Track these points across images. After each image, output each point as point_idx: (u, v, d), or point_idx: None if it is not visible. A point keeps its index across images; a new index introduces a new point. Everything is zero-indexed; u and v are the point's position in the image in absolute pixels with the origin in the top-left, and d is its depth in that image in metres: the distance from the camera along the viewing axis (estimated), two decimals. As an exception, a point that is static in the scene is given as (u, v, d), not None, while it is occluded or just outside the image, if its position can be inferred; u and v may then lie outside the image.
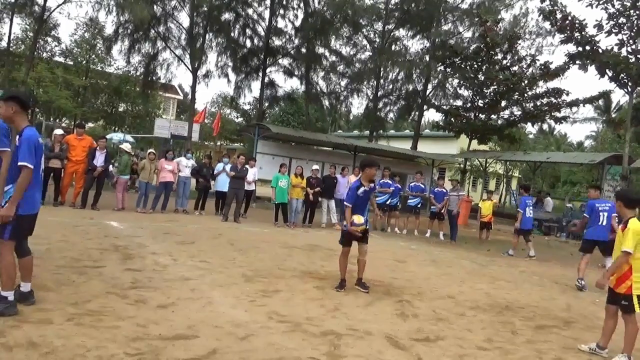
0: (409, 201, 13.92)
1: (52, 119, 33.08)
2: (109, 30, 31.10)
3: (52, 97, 28.55)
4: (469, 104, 22.33)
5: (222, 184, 12.53)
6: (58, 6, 18.51)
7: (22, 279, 4.07)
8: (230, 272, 6.28)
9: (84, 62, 31.93)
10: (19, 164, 3.76)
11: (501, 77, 20.25)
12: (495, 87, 20.81)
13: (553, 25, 16.85)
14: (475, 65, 21.31)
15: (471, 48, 21.49)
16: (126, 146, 12.40)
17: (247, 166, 12.34)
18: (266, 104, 23.64)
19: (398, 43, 23.46)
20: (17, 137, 3.89)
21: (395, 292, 6.14)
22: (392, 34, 23.09)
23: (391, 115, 25.48)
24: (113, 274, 5.45)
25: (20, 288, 4.04)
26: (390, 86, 23.95)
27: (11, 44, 19.12)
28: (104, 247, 6.82)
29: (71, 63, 31.96)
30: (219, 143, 41.54)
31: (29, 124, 3.95)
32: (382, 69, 22.80)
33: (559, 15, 16.04)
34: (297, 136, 18.55)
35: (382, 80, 23.50)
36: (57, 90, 29.20)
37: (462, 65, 21.45)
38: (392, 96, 24.02)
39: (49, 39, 27.69)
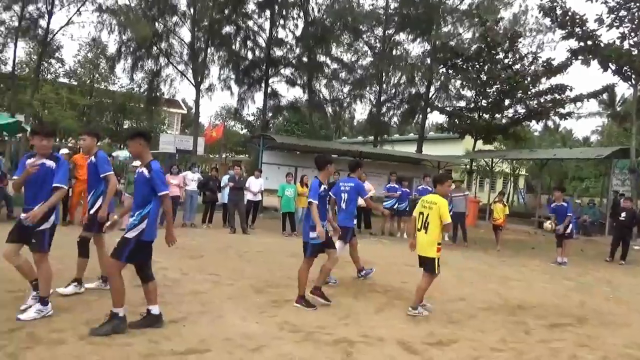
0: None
1: (57, 139, 33.36)
2: (112, 49, 31.45)
3: (58, 117, 28.84)
4: (472, 105, 22.29)
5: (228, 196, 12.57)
6: (61, 28, 18.91)
7: (148, 303, 4.33)
8: (240, 284, 6.29)
9: (88, 81, 32.30)
10: (159, 194, 4.24)
11: (504, 76, 20.21)
12: (498, 86, 20.75)
13: (553, 22, 16.85)
14: (477, 66, 21.28)
15: (472, 48, 21.47)
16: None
17: (250, 177, 12.39)
18: (270, 114, 23.75)
19: (399, 47, 23.56)
20: (144, 169, 4.28)
21: (406, 296, 6.11)
22: (392, 38, 23.18)
23: (395, 119, 25.49)
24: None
25: (150, 312, 4.32)
26: (393, 90, 24.01)
27: (16, 68, 19.37)
28: (114, 264, 6.85)
29: (75, 83, 32.37)
30: (224, 155, 41.69)
31: (154, 158, 4.47)
32: (384, 74, 22.86)
33: (559, 11, 16.02)
34: (302, 145, 18.58)
35: (384, 85, 23.56)
36: (62, 110, 29.54)
37: (464, 66, 21.44)
38: (395, 100, 24.06)
39: (53, 61, 28.06)
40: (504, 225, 12.96)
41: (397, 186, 13.34)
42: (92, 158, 5.40)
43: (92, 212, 5.33)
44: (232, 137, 41.50)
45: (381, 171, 17.36)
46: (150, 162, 4.29)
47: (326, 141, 25.35)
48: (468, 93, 22.90)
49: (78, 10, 18.03)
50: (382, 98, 23.60)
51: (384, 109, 24.02)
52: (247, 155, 41.06)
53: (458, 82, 23.13)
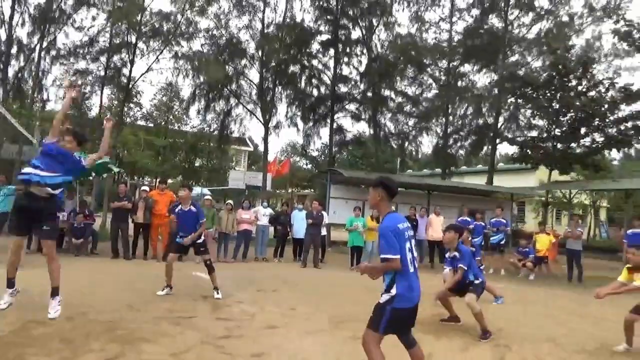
0: (491, 239, 13.31)
1: (136, 177, 35.56)
2: (185, 92, 33.42)
3: (136, 158, 30.82)
4: (545, 134, 21.43)
5: (299, 230, 12.70)
6: (141, 75, 20.16)
7: None
8: (317, 318, 6.24)
9: (163, 123, 34.38)
10: (381, 256, 3.55)
11: (578, 103, 19.35)
12: (573, 114, 19.88)
13: (631, 46, 16.04)
14: (549, 94, 20.54)
15: (542, 77, 20.79)
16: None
17: (323, 212, 12.47)
18: (335, 149, 23.99)
19: (464, 78, 23.24)
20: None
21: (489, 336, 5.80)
22: (457, 70, 22.95)
23: (462, 151, 24.92)
24: (205, 324, 5.58)
25: None
26: (460, 122, 23.57)
27: (100, 113, 20.89)
28: (194, 297, 7.04)
29: (151, 125, 34.57)
30: (290, 190, 42.40)
31: (392, 211, 3.75)
32: (449, 106, 22.58)
33: (636, 35, 15.28)
34: (369, 179, 18.53)
35: (450, 117, 23.21)
36: (140, 151, 31.55)
37: (535, 95, 20.76)
38: (462, 132, 23.58)
39: (132, 105, 30.16)
40: (549, 257, 12.88)
41: (469, 219, 12.92)
42: (192, 207, 7.21)
43: (201, 241, 7.28)
44: (298, 172, 42.25)
45: (451, 204, 16.90)
46: (385, 216, 3.70)
47: (394, 174, 25.14)
48: (540, 122, 22.09)
49: (157, 58, 19.31)
50: (449, 130, 23.23)
51: (450, 141, 23.59)
52: (312, 190, 41.56)
53: (528, 112, 22.40)
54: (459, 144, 24.02)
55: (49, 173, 4.75)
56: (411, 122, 23.78)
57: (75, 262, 9.91)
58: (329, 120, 22.28)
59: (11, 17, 17.67)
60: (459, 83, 22.97)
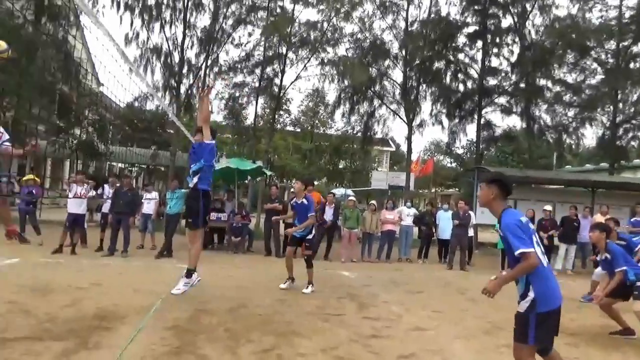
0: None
1: (285, 180, 37.96)
2: (330, 96, 34.68)
3: (286, 161, 32.95)
4: None
5: (445, 231, 12.29)
6: (291, 83, 21.44)
7: None
8: (466, 323, 5.97)
9: (309, 127, 36.19)
10: (516, 253, 3.15)
11: None
12: None
13: None
14: None
15: None
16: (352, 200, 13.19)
17: (470, 212, 11.92)
18: (483, 146, 22.72)
19: (638, 59, 20.28)
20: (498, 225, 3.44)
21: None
22: (629, 50, 20.11)
23: (635, 142, 21.78)
24: (353, 322, 5.69)
25: None
26: (632, 109, 20.62)
27: (255, 121, 22.62)
28: (341, 295, 7.23)
29: (299, 130, 36.61)
30: (433, 190, 41.43)
31: (507, 207, 3.40)
32: (619, 92, 19.92)
33: None
34: (522, 176, 17.15)
35: (620, 104, 20.45)
36: (288, 155, 33.69)
37: None
38: (635, 120, 20.60)
39: (282, 112, 32.29)
40: None
41: (644, 220, 11.25)
42: (304, 200, 7.43)
43: (310, 237, 7.54)
44: (442, 171, 41.12)
45: (622, 203, 14.90)
46: (501, 213, 3.34)
47: (550, 171, 23.03)
48: None
49: (305, 66, 20.29)
50: (618, 119, 20.47)
51: (620, 131, 20.74)
52: (457, 189, 40.05)
53: None
54: (630, 134, 21.00)
55: (193, 164, 6.07)
56: (571, 112, 21.41)
57: (234, 259, 10.90)
58: (476, 116, 21.15)
59: (182, 41, 20.05)
60: (631, 65, 20.11)
